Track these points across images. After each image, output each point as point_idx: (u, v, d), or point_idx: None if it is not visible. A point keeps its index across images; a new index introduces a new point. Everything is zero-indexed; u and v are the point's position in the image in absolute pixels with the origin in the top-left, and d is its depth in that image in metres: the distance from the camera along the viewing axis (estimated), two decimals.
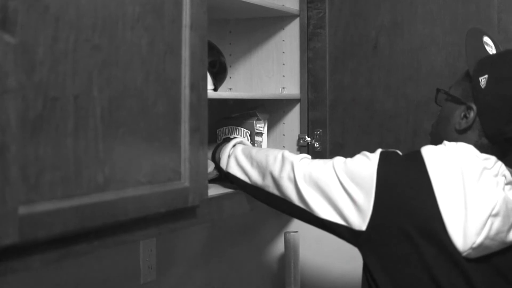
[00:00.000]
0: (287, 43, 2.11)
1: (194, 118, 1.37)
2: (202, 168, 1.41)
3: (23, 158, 0.98)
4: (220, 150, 1.74)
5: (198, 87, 1.38)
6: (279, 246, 2.42)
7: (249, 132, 1.99)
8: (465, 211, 1.38)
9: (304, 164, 1.56)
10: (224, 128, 2.03)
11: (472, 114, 1.49)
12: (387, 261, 1.44)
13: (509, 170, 1.47)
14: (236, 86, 2.17)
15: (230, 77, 2.16)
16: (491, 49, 1.56)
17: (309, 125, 2.09)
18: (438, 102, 1.62)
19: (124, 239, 1.24)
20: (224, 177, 1.72)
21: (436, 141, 1.51)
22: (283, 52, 2.12)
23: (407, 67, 1.93)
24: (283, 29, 2.12)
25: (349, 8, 2.02)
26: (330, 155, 2.03)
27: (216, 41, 2.04)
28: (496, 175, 1.42)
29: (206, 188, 1.45)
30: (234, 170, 1.68)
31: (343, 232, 1.48)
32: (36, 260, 1.04)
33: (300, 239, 2.28)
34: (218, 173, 1.75)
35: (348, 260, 1.87)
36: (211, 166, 1.73)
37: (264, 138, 2.04)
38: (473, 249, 1.37)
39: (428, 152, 1.45)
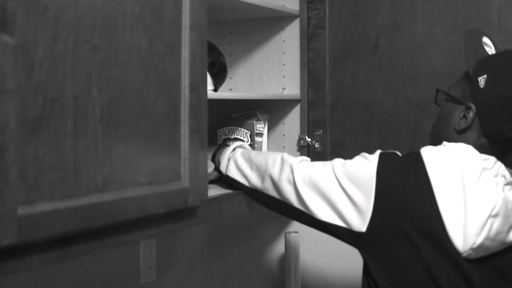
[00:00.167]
0: (287, 44, 2.11)
1: (194, 119, 1.37)
2: (202, 168, 1.41)
3: (22, 159, 0.98)
4: (220, 154, 1.74)
5: (198, 87, 1.38)
6: (279, 247, 2.42)
7: (249, 132, 1.99)
8: (465, 212, 1.38)
9: (303, 166, 1.56)
10: (224, 128, 2.03)
11: (471, 114, 1.49)
12: (387, 261, 1.44)
13: (508, 170, 1.47)
14: (236, 87, 2.17)
15: (231, 78, 2.16)
16: (490, 50, 1.56)
17: (309, 125, 2.09)
18: (438, 103, 1.62)
19: (124, 240, 1.24)
20: (224, 181, 1.73)
21: (436, 142, 1.51)
22: (283, 53, 2.12)
23: (407, 67, 1.93)
24: (283, 29, 2.12)
25: (349, 8, 2.02)
26: (331, 155, 2.03)
27: (216, 42, 2.04)
28: (496, 176, 1.42)
29: (206, 189, 1.45)
30: (234, 173, 1.68)
31: (343, 233, 1.48)
32: (35, 261, 1.04)
33: (301, 239, 2.28)
34: (218, 174, 1.75)
35: (348, 260, 1.87)
36: (211, 167, 1.73)
37: (264, 139, 2.04)
38: (473, 249, 1.37)
39: (428, 153, 1.45)
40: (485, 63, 1.51)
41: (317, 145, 2.07)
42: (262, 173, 1.62)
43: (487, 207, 1.38)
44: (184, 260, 2.09)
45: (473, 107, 1.49)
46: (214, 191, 1.67)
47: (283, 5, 2.04)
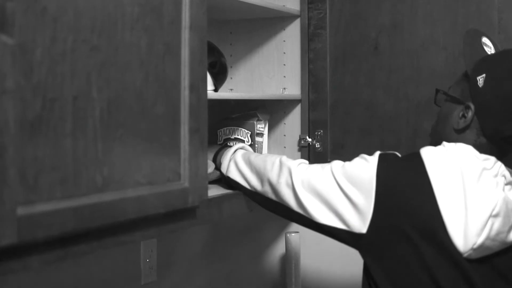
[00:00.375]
0: (288, 44, 2.11)
1: (194, 119, 1.37)
2: (202, 168, 1.41)
3: (21, 159, 0.98)
4: (222, 155, 1.74)
5: (197, 88, 1.38)
6: (280, 247, 2.42)
7: (250, 132, 1.99)
8: (465, 212, 1.37)
9: (301, 169, 1.56)
10: (225, 128, 2.03)
11: (470, 113, 1.49)
12: (387, 262, 1.44)
13: (508, 170, 1.47)
14: (237, 87, 2.17)
15: (231, 78, 2.16)
16: (490, 50, 1.56)
17: (310, 125, 2.09)
18: (438, 103, 1.62)
19: (124, 240, 1.24)
20: (225, 182, 1.73)
21: (436, 142, 1.51)
22: (284, 53, 2.12)
23: (407, 67, 1.93)
24: (284, 29, 2.12)
25: (350, 8, 2.02)
26: (331, 156, 2.03)
27: (217, 42, 2.04)
28: (496, 176, 1.42)
29: (206, 189, 1.45)
30: (234, 175, 1.69)
31: (343, 235, 1.47)
32: (35, 261, 1.04)
33: (301, 239, 2.28)
34: (220, 174, 1.75)
35: (349, 260, 1.87)
36: (211, 167, 1.73)
37: (264, 139, 2.04)
38: (474, 249, 1.37)
39: (427, 154, 1.45)
40: (484, 62, 1.51)
41: (317, 145, 2.07)
42: (261, 176, 1.62)
43: (488, 207, 1.38)
44: (184, 260, 2.09)
45: (472, 106, 1.49)
46: (214, 191, 1.68)
47: (284, 5, 2.04)
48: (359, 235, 1.45)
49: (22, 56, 0.98)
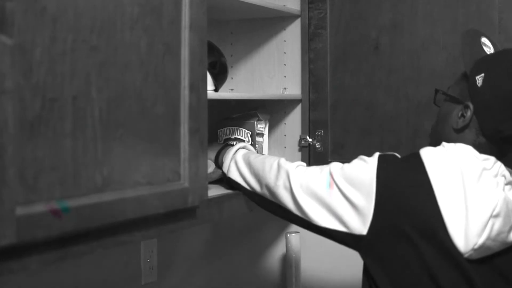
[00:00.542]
0: (288, 44, 2.11)
1: (194, 119, 1.37)
2: (202, 169, 1.41)
3: (21, 159, 0.98)
4: (224, 154, 1.74)
5: (197, 88, 1.38)
6: (280, 247, 2.42)
7: (250, 132, 1.99)
8: (466, 212, 1.37)
9: (299, 172, 1.55)
10: (225, 128, 2.03)
11: (469, 113, 1.49)
12: (387, 263, 1.44)
13: (508, 170, 1.47)
14: (237, 87, 2.17)
15: (232, 78, 2.16)
16: (489, 50, 1.56)
17: (310, 125, 2.09)
18: (437, 103, 1.62)
19: (124, 240, 1.24)
20: (226, 182, 1.73)
21: (435, 142, 1.51)
22: (284, 53, 2.12)
23: (407, 67, 1.93)
24: (284, 29, 2.12)
25: (350, 8, 2.02)
26: (331, 156, 2.03)
27: (217, 42, 2.04)
28: (496, 176, 1.42)
29: (206, 189, 1.45)
30: (234, 175, 1.69)
31: (343, 237, 1.47)
32: (34, 261, 1.04)
33: (301, 240, 2.28)
34: (222, 173, 1.75)
35: (349, 261, 1.86)
36: (211, 167, 1.73)
37: (265, 139, 2.04)
38: (475, 250, 1.37)
39: (427, 154, 1.44)
40: (483, 62, 1.50)
41: (318, 145, 2.07)
42: (259, 178, 1.62)
43: (488, 208, 1.37)
44: (185, 261, 2.09)
45: (471, 106, 1.48)
46: (214, 191, 1.67)
47: (284, 5, 2.04)
48: (360, 237, 1.44)
49: (21, 56, 0.98)
